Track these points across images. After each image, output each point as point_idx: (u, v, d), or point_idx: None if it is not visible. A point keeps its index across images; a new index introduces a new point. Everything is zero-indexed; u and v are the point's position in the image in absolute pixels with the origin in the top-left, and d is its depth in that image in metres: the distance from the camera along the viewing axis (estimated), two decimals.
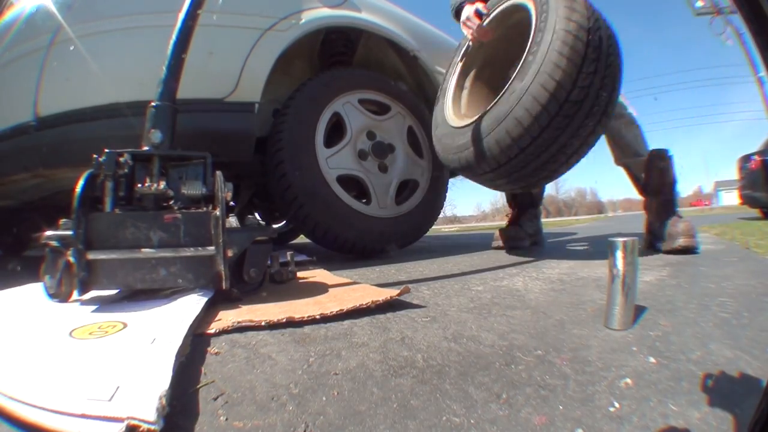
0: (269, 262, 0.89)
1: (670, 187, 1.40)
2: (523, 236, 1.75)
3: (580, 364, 0.47)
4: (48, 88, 1.23)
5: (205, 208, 0.78)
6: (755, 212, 4.87)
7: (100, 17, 1.27)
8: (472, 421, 0.37)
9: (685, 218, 1.34)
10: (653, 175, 1.42)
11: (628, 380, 0.43)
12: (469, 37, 1.42)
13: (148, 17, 1.29)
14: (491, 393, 0.41)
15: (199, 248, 0.72)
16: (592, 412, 0.38)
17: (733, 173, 5.17)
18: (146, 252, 0.70)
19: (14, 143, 1.27)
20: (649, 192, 1.45)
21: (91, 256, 0.69)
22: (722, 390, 0.41)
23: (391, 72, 1.99)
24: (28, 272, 0.93)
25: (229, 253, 0.73)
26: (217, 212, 0.73)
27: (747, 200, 4.80)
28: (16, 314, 0.69)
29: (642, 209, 1.51)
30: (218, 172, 0.79)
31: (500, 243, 1.75)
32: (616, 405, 0.39)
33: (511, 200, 1.88)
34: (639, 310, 0.63)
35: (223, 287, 0.72)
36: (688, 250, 1.24)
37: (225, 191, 0.76)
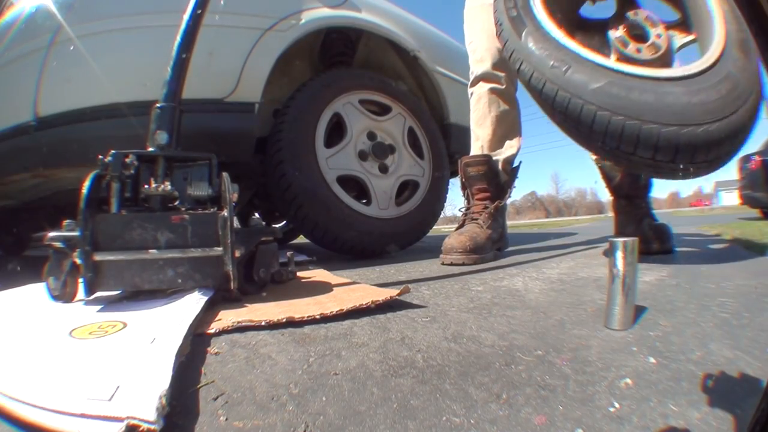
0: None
1: (643, 190, 1.35)
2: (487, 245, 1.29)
3: (580, 364, 0.47)
4: (48, 88, 1.23)
5: (211, 209, 0.78)
6: (755, 212, 4.87)
7: (100, 17, 1.28)
8: (472, 421, 0.37)
9: (660, 221, 1.32)
10: (627, 176, 1.34)
11: (628, 380, 0.43)
12: None
13: (148, 17, 1.29)
14: (491, 393, 0.41)
15: (207, 249, 0.72)
16: (592, 412, 0.38)
17: (733, 173, 5.17)
18: (153, 253, 0.70)
19: (14, 143, 1.27)
20: (621, 193, 1.38)
21: (98, 257, 0.69)
22: (722, 390, 0.41)
23: (392, 72, 1.99)
24: (29, 272, 0.93)
25: (237, 254, 0.73)
26: (225, 213, 0.74)
27: (747, 200, 4.82)
28: (16, 314, 0.69)
29: (611, 210, 1.44)
30: (225, 174, 0.80)
31: (454, 258, 1.24)
32: (616, 405, 0.39)
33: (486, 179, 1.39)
34: (639, 310, 0.63)
35: (232, 287, 0.72)
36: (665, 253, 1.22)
37: (232, 192, 0.77)
